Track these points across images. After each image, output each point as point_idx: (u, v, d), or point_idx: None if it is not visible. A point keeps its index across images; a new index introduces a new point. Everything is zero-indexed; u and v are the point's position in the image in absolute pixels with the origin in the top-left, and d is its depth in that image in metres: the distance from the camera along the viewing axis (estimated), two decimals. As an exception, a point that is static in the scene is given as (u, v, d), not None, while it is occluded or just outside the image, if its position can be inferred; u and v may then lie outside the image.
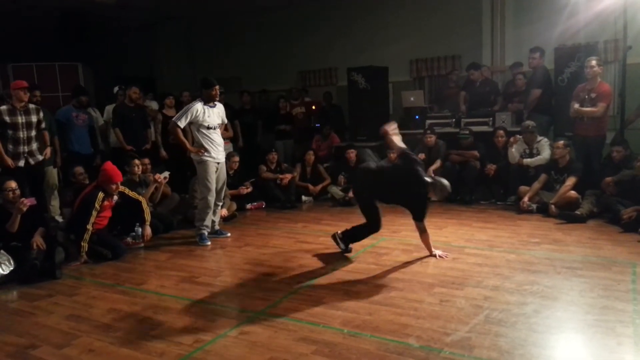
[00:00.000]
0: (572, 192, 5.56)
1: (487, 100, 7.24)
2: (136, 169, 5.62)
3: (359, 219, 5.96)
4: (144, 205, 5.04)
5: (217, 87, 5.10)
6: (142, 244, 5.10)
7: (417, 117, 7.74)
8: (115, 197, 4.89)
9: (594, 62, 5.73)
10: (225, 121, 5.48)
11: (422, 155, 6.85)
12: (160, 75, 11.04)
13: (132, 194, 5.01)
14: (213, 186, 5.12)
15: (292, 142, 8.59)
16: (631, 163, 5.46)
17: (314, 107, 9.02)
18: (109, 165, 4.80)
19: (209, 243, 5.10)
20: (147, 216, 5.03)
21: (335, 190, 7.06)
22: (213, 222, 5.30)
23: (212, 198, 5.13)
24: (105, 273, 4.33)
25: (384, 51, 8.79)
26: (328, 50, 9.61)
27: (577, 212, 5.34)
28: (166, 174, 5.74)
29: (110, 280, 4.12)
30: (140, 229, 5.07)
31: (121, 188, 4.88)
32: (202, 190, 5.15)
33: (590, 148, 5.92)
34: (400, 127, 7.78)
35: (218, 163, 5.19)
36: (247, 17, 10.26)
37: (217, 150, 5.14)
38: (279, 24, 10.06)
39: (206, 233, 5.15)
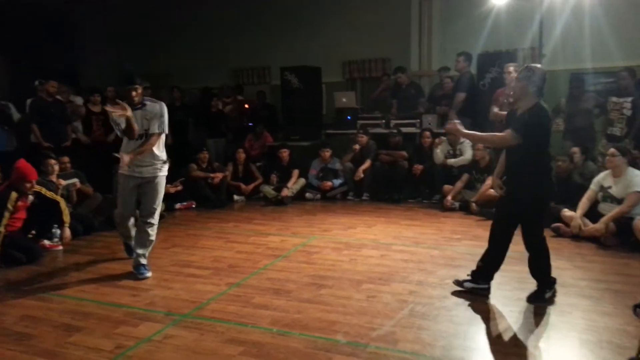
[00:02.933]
0: (492, 191, 5.86)
1: (413, 103, 7.50)
2: (50, 168, 5.26)
3: (290, 219, 6.02)
4: (62, 205, 4.76)
5: (133, 86, 3.90)
6: (61, 247, 4.83)
7: (349, 117, 7.86)
8: (31, 197, 4.59)
9: (511, 68, 6.07)
10: (159, 130, 4.07)
11: (351, 154, 7.04)
12: (84, 69, 10.49)
13: (48, 193, 4.72)
14: (122, 204, 4.12)
15: (224, 141, 8.46)
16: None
17: (246, 106, 8.93)
18: (23, 163, 4.49)
19: (148, 275, 4.00)
20: (66, 217, 4.76)
21: (268, 190, 7.03)
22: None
23: (122, 215, 4.17)
24: (19, 278, 4.05)
25: (318, 52, 8.86)
26: (262, 49, 9.55)
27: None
28: (75, 180, 5.46)
29: (25, 286, 3.85)
30: (58, 231, 4.79)
31: (37, 187, 4.58)
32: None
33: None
34: (331, 128, 8.01)
35: (138, 177, 3.99)
36: (179, 10, 9.97)
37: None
38: (212, 19, 9.86)
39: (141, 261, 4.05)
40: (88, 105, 7.12)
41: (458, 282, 3.53)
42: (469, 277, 3.50)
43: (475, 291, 3.44)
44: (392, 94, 7.83)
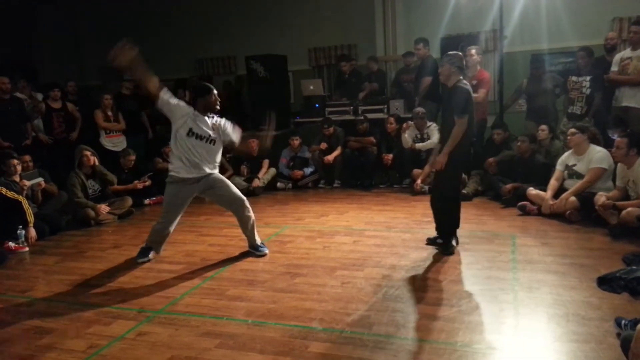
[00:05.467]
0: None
1: (355, 91, 7.70)
2: (13, 169, 5.05)
3: (262, 209, 5.98)
4: (25, 205, 4.63)
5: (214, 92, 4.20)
6: (27, 248, 4.69)
7: (317, 105, 7.85)
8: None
9: (473, 51, 6.16)
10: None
11: (323, 145, 7.04)
12: (42, 64, 10.12)
13: (10, 194, 4.58)
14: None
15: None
16: (510, 144, 5.99)
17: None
18: (-19, 164, 4.34)
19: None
20: (30, 217, 4.65)
21: (239, 181, 6.95)
22: None
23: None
24: (-17, 283, 3.93)
25: (283, 40, 8.78)
26: (226, 38, 9.40)
27: (464, 190, 5.75)
28: (39, 180, 5.31)
29: (-10, 290, 3.75)
30: (23, 232, 4.66)
31: (-2, 188, 4.45)
32: None
33: (473, 131, 6.38)
34: (300, 116, 7.99)
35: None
36: (140, 1, 9.69)
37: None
38: (175, 9, 9.62)
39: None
40: (47, 102, 6.88)
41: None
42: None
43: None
44: (337, 82, 8.05)
